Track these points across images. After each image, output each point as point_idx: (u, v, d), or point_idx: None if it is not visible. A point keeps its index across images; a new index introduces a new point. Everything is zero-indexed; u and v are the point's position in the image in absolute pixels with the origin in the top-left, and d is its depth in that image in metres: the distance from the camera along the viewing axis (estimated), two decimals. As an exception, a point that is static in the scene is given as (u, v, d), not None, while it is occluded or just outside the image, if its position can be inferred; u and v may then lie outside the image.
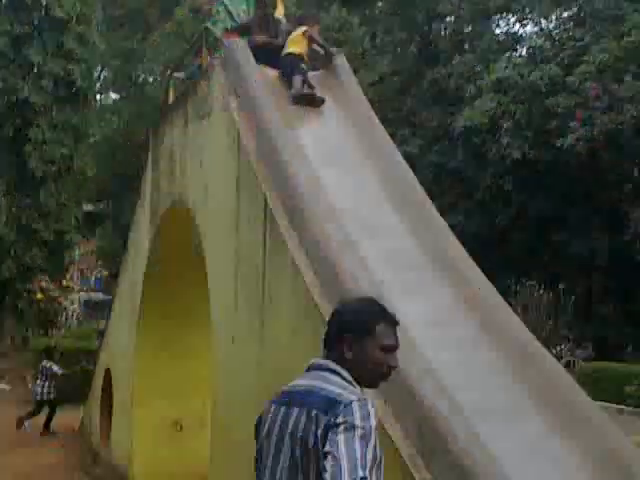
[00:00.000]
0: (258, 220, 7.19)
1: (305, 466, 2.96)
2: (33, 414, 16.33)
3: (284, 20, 9.99)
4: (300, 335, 6.36)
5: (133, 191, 20.08)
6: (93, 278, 39.58)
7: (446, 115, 27.35)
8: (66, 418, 16.44)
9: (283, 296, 6.71)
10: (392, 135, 8.57)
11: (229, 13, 10.52)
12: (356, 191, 7.51)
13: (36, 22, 25.66)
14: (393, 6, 31.13)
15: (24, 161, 24.88)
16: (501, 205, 25.22)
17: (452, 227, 7.29)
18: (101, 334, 17.34)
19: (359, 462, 2.78)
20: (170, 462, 11.13)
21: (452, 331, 6.11)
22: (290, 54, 8.91)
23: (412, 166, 8.01)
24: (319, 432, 2.92)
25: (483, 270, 6.67)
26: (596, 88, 21.56)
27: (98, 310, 32.74)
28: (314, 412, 2.96)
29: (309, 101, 8.62)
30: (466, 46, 29.91)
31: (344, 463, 2.76)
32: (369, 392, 3.16)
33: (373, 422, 2.89)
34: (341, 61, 9.23)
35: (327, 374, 3.10)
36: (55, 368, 16.43)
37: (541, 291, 24.89)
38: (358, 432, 2.84)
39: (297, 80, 8.61)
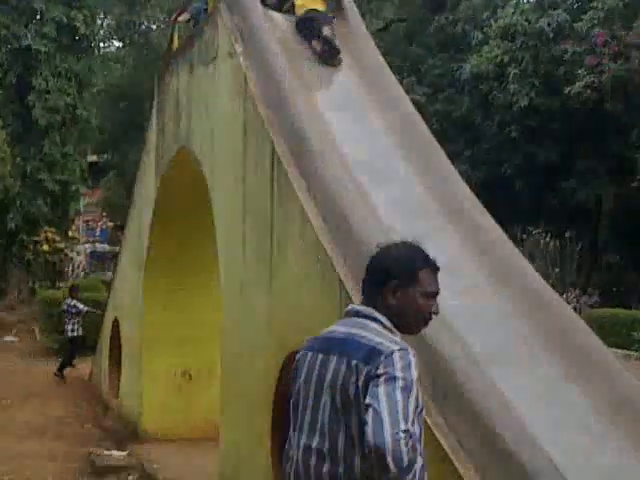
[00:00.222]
0: (265, 167, 7.12)
1: (346, 416, 2.90)
2: (72, 356, 16.41)
3: None
4: (309, 283, 6.33)
5: (138, 141, 20.00)
6: (98, 230, 39.62)
7: (452, 62, 27.04)
8: (77, 369, 16.56)
9: (292, 244, 6.66)
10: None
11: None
12: (365, 139, 7.41)
13: (38, -32, 25.37)
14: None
15: (28, 110, 24.70)
16: (508, 154, 25.03)
17: (458, 176, 7.20)
18: (108, 285, 17.38)
19: (401, 415, 2.71)
20: (180, 412, 11.20)
21: (463, 278, 6.06)
22: (309, 17, 8.58)
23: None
24: (360, 383, 2.85)
25: (490, 219, 6.59)
26: (604, 35, 21.25)
27: (104, 261, 32.86)
28: (354, 362, 2.89)
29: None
30: (473, -8, 29.43)
31: (385, 416, 2.69)
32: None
33: (415, 373, 2.83)
34: (350, 5, 9.06)
35: (366, 321, 3.03)
36: (80, 306, 16.48)
37: (547, 239, 24.86)
38: (399, 383, 2.77)
39: (317, 44, 8.36)
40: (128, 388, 12.51)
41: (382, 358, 2.83)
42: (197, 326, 11.24)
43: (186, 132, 9.97)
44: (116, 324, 13.84)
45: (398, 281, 3.06)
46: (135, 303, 12.23)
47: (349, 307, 3.17)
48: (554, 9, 23.42)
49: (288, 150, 6.85)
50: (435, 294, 3.14)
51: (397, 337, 2.99)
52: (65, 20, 24.98)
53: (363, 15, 9.98)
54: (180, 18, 11.63)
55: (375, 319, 3.03)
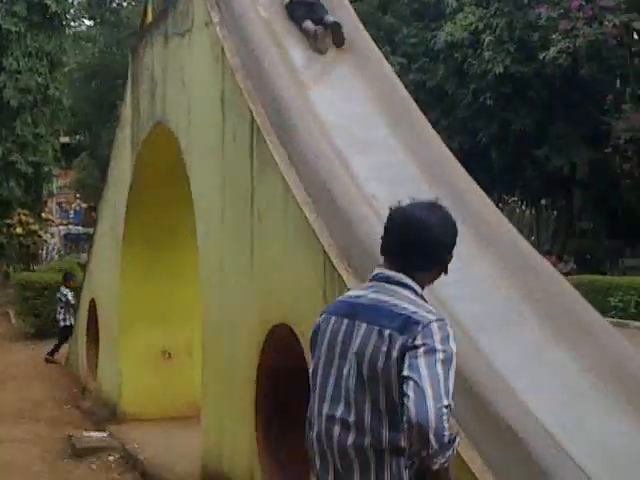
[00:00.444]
0: (245, 138, 6.96)
1: (372, 387, 2.77)
2: (60, 344, 16.19)
3: None
4: (292, 255, 6.21)
5: (111, 121, 19.78)
6: (72, 211, 39.36)
7: (426, 31, 26.93)
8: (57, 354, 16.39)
9: (273, 215, 6.52)
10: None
11: None
12: (345, 106, 7.26)
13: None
14: None
15: (-1, 91, 24.34)
16: (483, 122, 25.02)
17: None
18: (83, 267, 17.15)
19: (442, 390, 2.59)
20: (159, 391, 11.06)
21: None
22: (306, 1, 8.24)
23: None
24: (394, 353, 2.71)
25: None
26: (578, -2, 21.22)
27: (79, 243, 32.60)
28: (387, 331, 2.74)
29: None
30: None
31: (428, 391, 2.57)
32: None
33: (454, 345, 2.70)
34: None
35: (397, 288, 2.87)
36: (69, 296, 16.28)
37: (523, 208, 24.92)
38: (439, 356, 2.64)
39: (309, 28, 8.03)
40: (106, 369, 12.36)
41: (419, 328, 2.70)
42: (176, 304, 11.09)
43: (162, 105, 9.78)
44: (93, 305, 13.67)
45: (445, 250, 2.96)
46: (112, 283, 12.06)
47: (377, 271, 2.98)
48: (528, -26, 23.36)
49: (268, 120, 6.69)
50: None
51: (432, 307, 2.85)
52: (36, -2, 24.53)
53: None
54: None
55: (407, 286, 2.89)
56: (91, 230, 20.31)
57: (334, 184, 5.88)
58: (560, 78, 23.10)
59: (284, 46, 7.82)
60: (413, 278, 2.90)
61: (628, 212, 25.24)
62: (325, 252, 5.59)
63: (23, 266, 24.41)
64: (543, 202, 26.32)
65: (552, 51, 21.40)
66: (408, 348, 2.68)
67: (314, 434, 2.93)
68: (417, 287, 2.90)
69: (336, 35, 7.87)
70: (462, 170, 6.57)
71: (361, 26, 8.17)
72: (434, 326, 2.71)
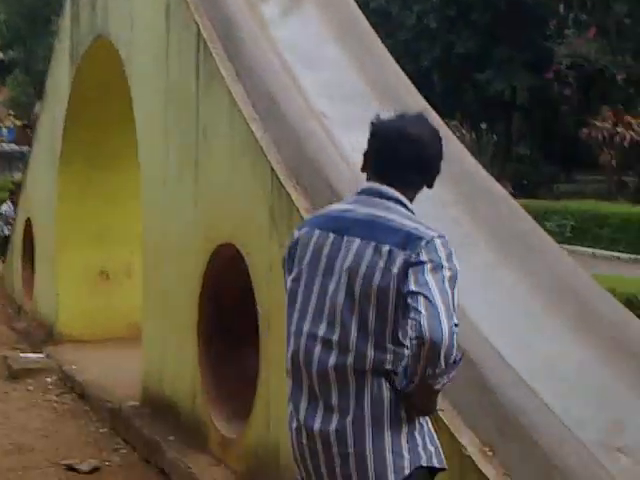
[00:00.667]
0: (190, 52, 6.72)
1: (363, 305, 2.64)
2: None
3: None
4: (238, 172, 6.07)
5: (46, 36, 19.04)
6: (5, 129, 38.38)
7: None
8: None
9: (219, 131, 6.34)
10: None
11: None
12: (295, 22, 7.08)
13: None
14: None
15: None
16: (426, 44, 24.85)
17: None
18: (17, 186, 16.74)
19: (452, 308, 2.49)
20: (98, 312, 10.90)
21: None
22: None
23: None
24: (394, 269, 2.58)
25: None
26: None
27: (11, 161, 31.84)
28: (386, 247, 2.61)
29: None
30: None
31: (440, 307, 2.47)
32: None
33: (457, 263, 2.59)
34: None
35: (390, 203, 2.74)
36: (4, 208, 15.96)
37: (464, 131, 24.98)
38: (446, 273, 2.54)
39: None
40: (43, 289, 12.14)
41: (423, 243, 2.59)
42: (115, 225, 10.87)
43: (103, 16, 9.41)
44: (29, 224, 13.37)
45: (436, 167, 2.86)
46: (48, 202, 11.76)
47: (368, 185, 2.84)
48: None
49: (215, 33, 6.47)
50: None
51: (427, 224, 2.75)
52: None
53: None
54: None
55: (400, 201, 2.75)
56: (25, 148, 19.81)
57: (283, 99, 5.74)
58: (504, 1, 23.00)
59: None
60: (404, 194, 2.77)
61: (565, 138, 25.53)
62: (273, 169, 5.47)
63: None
64: (483, 126, 26.40)
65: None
66: (412, 264, 2.57)
67: (289, 354, 2.80)
68: (409, 203, 2.78)
69: None
70: (412, 87, 6.49)
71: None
72: (437, 242, 2.61)
